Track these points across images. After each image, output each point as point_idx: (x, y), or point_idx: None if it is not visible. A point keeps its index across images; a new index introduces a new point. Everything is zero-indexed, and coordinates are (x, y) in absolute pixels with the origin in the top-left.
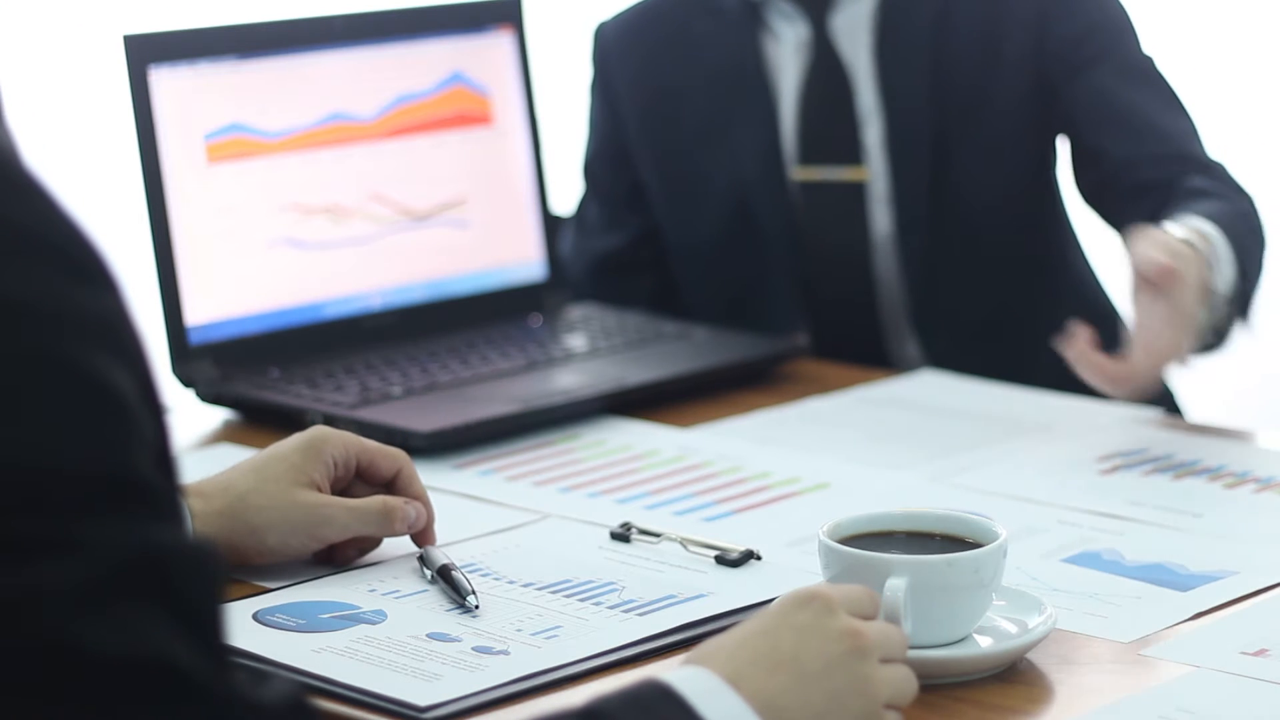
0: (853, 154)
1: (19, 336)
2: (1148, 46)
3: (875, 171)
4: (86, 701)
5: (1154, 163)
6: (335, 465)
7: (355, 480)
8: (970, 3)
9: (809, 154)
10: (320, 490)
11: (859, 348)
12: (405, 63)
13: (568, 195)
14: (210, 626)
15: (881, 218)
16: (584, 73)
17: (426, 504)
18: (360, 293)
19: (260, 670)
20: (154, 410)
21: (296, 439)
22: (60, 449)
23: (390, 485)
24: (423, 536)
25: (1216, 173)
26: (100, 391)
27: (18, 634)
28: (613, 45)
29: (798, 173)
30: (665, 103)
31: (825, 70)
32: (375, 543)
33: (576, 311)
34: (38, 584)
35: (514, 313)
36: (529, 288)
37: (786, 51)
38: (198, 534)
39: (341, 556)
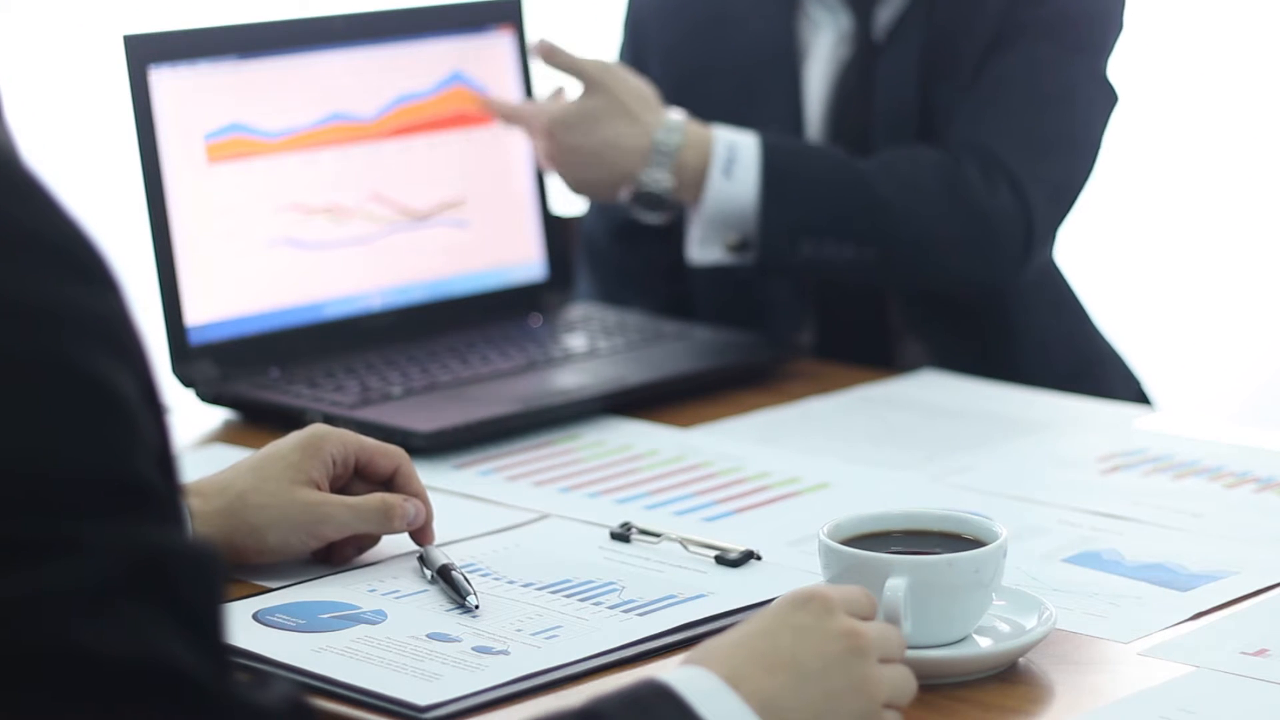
0: (872, 150)
1: (20, 337)
2: (1117, 59)
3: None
4: (87, 703)
5: (963, 143)
6: (334, 463)
7: (354, 478)
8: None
9: (834, 143)
10: (319, 488)
11: (863, 342)
12: (405, 63)
13: (568, 195)
14: (211, 628)
15: None
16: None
17: (425, 502)
18: (360, 293)
19: (261, 672)
20: (155, 411)
21: (295, 437)
22: (61, 451)
23: (389, 483)
24: (422, 534)
25: (986, 173)
26: (101, 393)
27: (19, 635)
28: (649, 15)
29: None
30: (694, 79)
31: (863, 64)
32: (374, 541)
33: (576, 311)
34: (39, 586)
35: (514, 313)
36: (529, 288)
37: (823, 40)
38: (199, 535)
39: (340, 555)
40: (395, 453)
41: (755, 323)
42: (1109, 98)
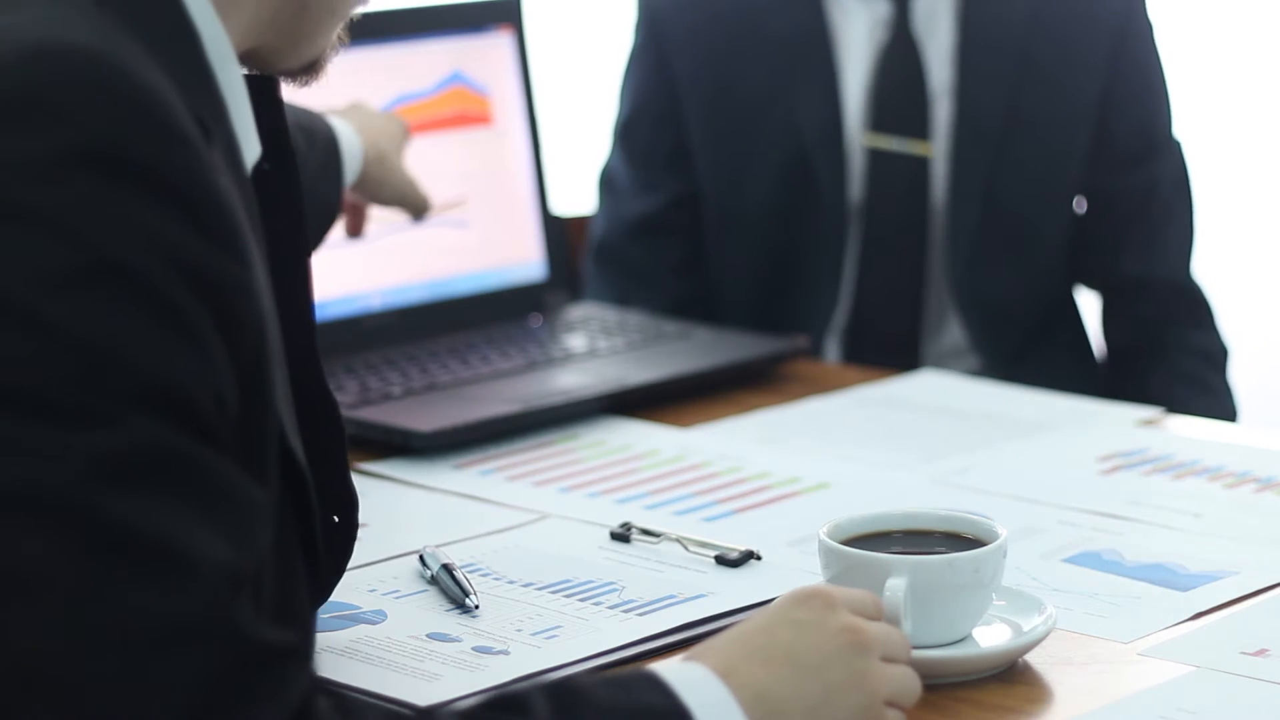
0: (920, 130)
1: (136, 251)
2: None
3: (939, 149)
4: (83, 556)
5: (1153, 294)
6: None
7: None
8: (1060, 9)
9: (879, 123)
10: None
11: (895, 324)
12: (405, 63)
13: (568, 195)
14: (243, 549)
15: (939, 194)
16: (583, 73)
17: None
18: (360, 293)
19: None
20: (250, 384)
21: (389, 118)
22: (136, 345)
23: None
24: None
25: (1200, 322)
26: (182, 323)
27: (34, 478)
28: (672, 16)
29: (866, 138)
30: (722, 64)
31: (902, 46)
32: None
33: (576, 311)
34: (74, 443)
35: (514, 313)
36: (529, 288)
37: (857, 24)
38: (258, 488)
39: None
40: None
41: (784, 325)
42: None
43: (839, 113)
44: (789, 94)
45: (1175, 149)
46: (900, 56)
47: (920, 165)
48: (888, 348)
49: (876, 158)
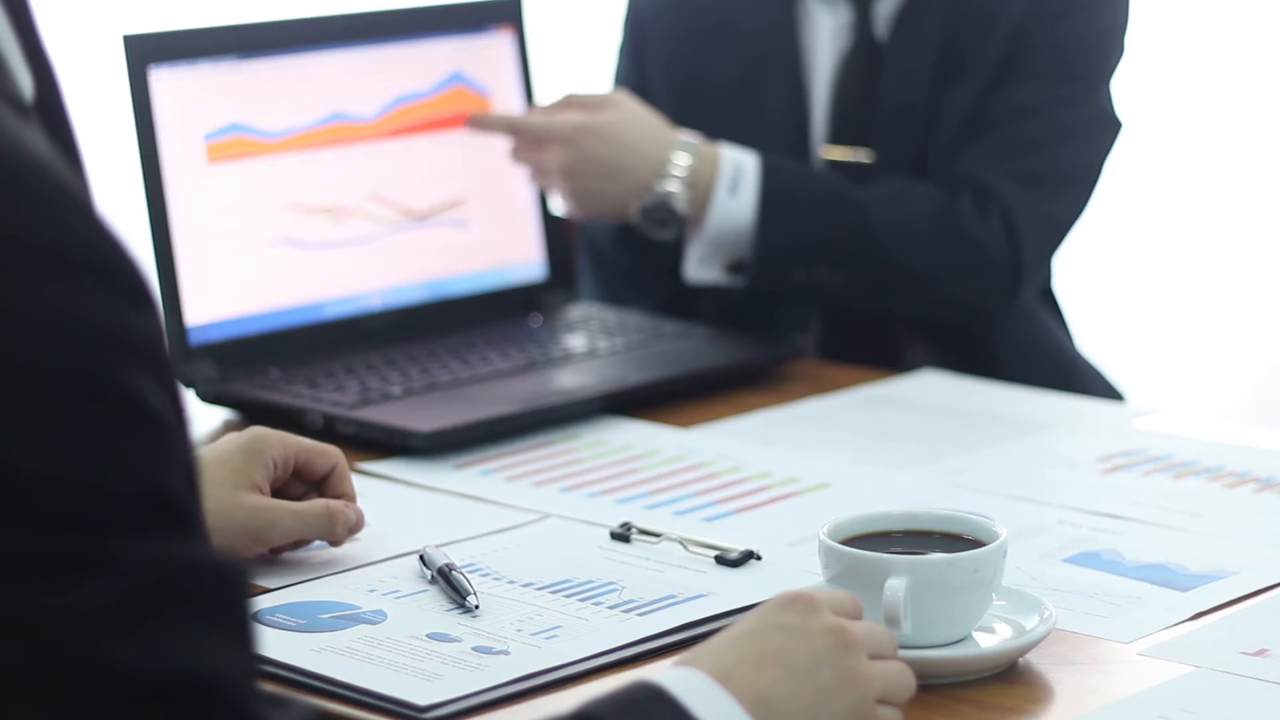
0: (864, 137)
1: (65, 358)
2: (1116, 85)
3: (881, 155)
4: (122, 717)
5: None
6: (275, 466)
7: (290, 478)
8: None
9: (839, 134)
10: (261, 492)
11: (869, 345)
12: (405, 63)
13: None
14: (239, 637)
15: None
16: (583, 73)
17: (354, 501)
18: (360, 293)
19: (279, 688)
20: (182, 427)
21: (235, 441)
22: (102, 470)
23: (322, 482)
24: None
25: (980, 206)
26: (142, 413)
27: (54, 652)
28: (650, 18)
29: (827, 151)
30: (696, 74)
31: (863, 54)
32: (310, 540)
33: (576, 311)
34: (76, 602)
35: (514, 313)
36: (529, 288)
37: (823, 33)
38: (221, 548)
39: (277, 551)
40: (332, 452)
41: (762, 325)
42: (1110, 129)
43: (806, 123)
44: (758, 105)
45: (1098, 111)
46: (861, 64)
47: (866, 173)
48: (869, 357)
49: (835, 169)
